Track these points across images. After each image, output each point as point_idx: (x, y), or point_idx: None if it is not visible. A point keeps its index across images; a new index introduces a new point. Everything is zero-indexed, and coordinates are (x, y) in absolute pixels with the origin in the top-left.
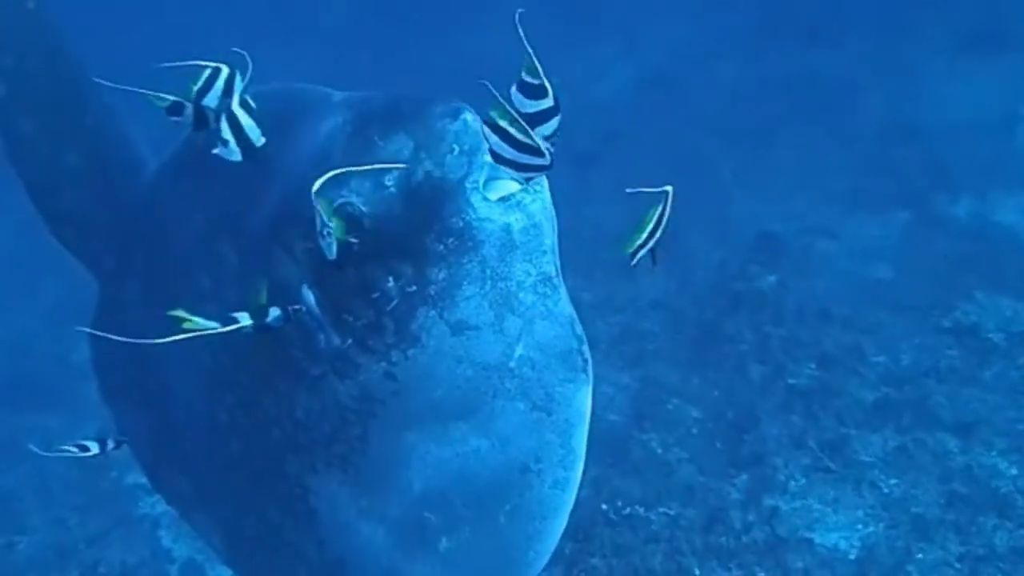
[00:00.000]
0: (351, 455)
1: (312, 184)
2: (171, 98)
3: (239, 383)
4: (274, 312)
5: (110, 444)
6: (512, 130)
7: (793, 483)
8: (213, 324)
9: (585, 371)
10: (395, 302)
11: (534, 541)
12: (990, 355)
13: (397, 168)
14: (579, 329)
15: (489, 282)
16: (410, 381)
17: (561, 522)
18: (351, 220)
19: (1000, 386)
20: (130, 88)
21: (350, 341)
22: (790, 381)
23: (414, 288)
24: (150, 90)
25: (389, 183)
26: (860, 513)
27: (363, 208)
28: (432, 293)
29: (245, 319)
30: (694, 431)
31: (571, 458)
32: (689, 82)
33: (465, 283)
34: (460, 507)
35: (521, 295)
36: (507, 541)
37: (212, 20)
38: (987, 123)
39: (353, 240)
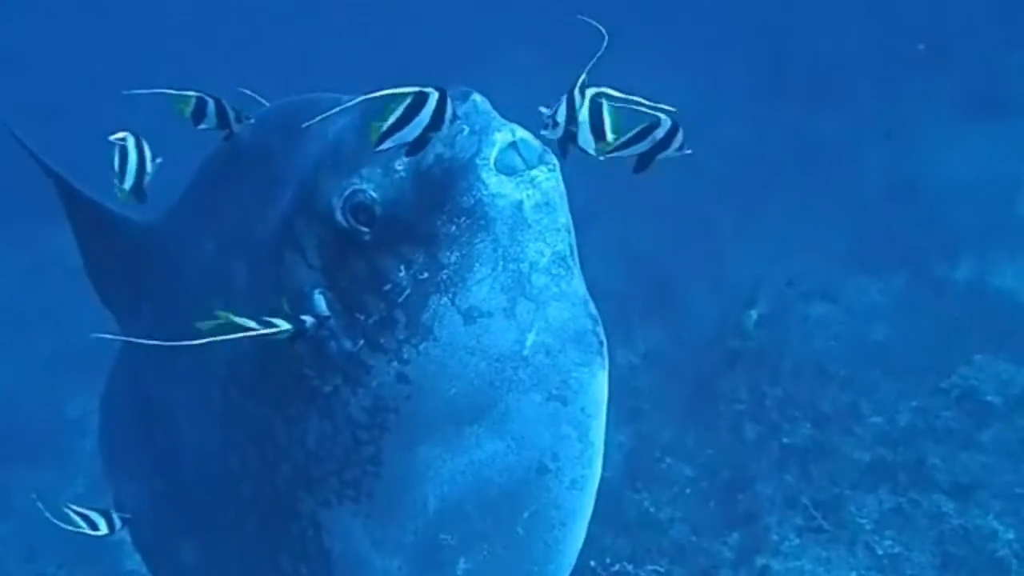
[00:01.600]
0: (364, 479)
1: (319, 173)
2: (192, 94)
3: (250, 416)
4: (308, 318)
5: (117, 523)
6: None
7: (786, 543)
8: (251, 324)
9: (601, 354)
10: (407, 292)
11: (554, 552)
12: (988, 417)
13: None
14: (593, 309)
15: (501, 263)
16: (423, 381)
17: (581, 529)
18: (362, 208)
19: (998, 449)
20: (159, 91)
21: (362, 342)
22: (785, 440)
23: (426, 275)
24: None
25: (400, 168)
26: (854, 575)
27: (374, 195)
28: (444, 278)
29: (283, 324)
30: (687, 490)
31: (589, 453)
32: (691, 138)
33: (477, 265)
34: (477, 521)
35: (534, 277)
36: (527, 554)
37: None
38: (988, 187)
39: (364, 230)
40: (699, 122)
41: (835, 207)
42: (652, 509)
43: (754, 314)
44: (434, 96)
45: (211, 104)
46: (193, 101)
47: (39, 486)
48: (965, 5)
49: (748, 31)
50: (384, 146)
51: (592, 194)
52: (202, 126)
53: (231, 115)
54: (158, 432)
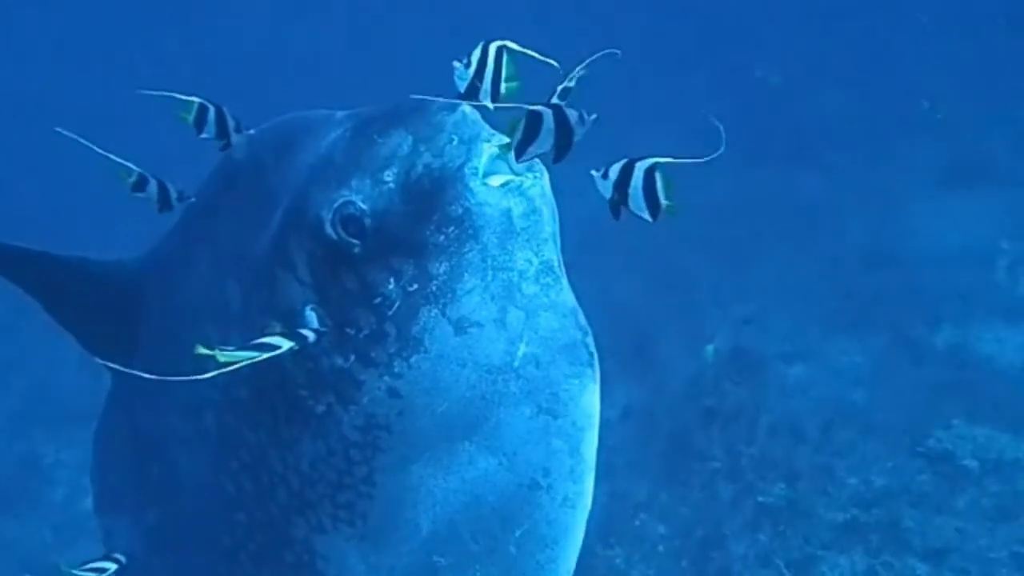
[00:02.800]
0: (358, 502)
1: (309, 186)
2: (195, 100)
3: (244, 443)
4: (308, 332)
5: (122, 558)
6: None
7: None
8: (250, 354)
9: (591, 366)
10: (397, 304)
11: (546, 571)
12: (963, 482)
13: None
14: (582, 320)
15: (491, 272)
16: (415, 395)
17: (573, 548)
18: (352, 220)
19: (973, 513)
20: (166, 93)
21: (353, 357)
22: (759, 499)
23: (415, 287)
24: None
25: (388, 179)
26: None
27: (363, 206)
28: (434, 289)
29: (284, 342)
30: (660, 548)
31: (581, 468)
32: (673, 201)
33: (466, 274)
34: (470, 542)
35: (523, 286)
36: (520, 575)
37: None
38: (967, 254)
39: (354, 242)
40: (683, 182)
41: (816, 269)
42: (624, 566)
43: (711, 348)
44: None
45: (211, 111)
46: (196, 107)
47: (6, 535)
48: (944, 75)
49: (732, 93)
50: (525, 157)
51: (573, 243)
52: (203, 135)
53: (231, 124)
54: (153, 465)
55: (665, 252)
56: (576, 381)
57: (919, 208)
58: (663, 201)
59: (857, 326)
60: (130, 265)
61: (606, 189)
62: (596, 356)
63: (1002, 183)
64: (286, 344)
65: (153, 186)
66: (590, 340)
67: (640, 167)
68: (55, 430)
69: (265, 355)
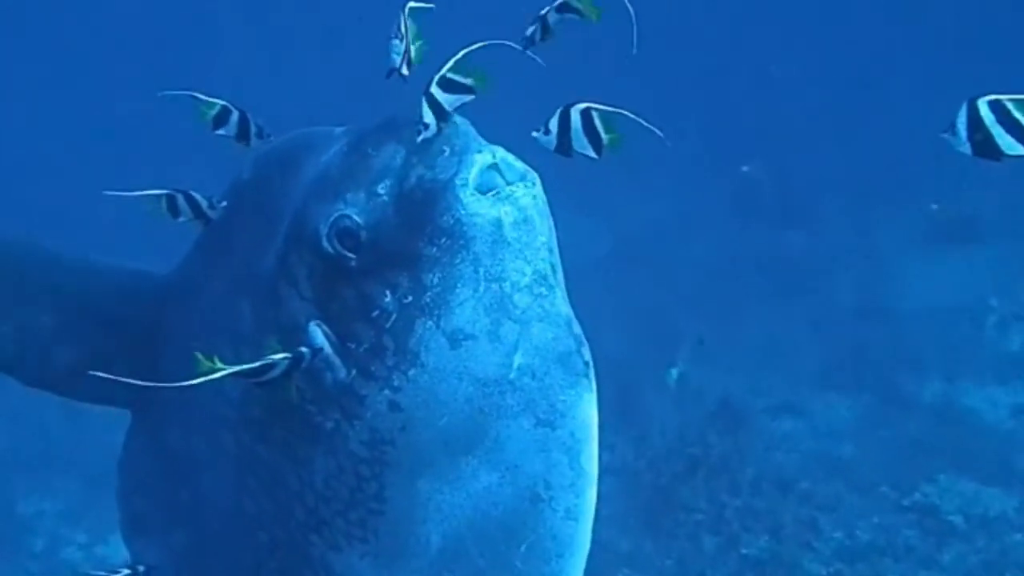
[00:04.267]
0: (369, 519)
1: (307, 201)
2: (219, 102)
3: (262, 461)
4: (304, 349)
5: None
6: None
7: None
8: (248, 366)
9: (587, 376)
10: (393, 317)
11: None
12: (949, 537)
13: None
14: (577, 329)
15: (483, 283)
16: (415, 409)
17: (579, 561)
18: (348, 233)
19: (958, 568)
20: (186, 92)
21: (354, 372)
22: (743, 551)
23: (410, 299)
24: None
25: (382, 192)
26: None
27: (358, 219)
28: (428, 301)
29: (280, 357)
30: None
31: (582, 481)
32: (664, 256)
33: (459, 286)
34: (477, 557)
35: (516, 297)
36: None
37: None
38: (957, 311)
39: (350, 255)
40: (674, 238)
41: (803, 325)
42: None
43: (675, 372)
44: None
45: (235, 114)
46: (218, 107)
47: None
48: (933, 132)
49: (724, 150)
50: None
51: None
52: (220, 132)
53: (253, 130)
54: (177, 486)
55: (653, 305)
56: (572, 392)
57: (908, 264)
58: (604, 136)
59: (844, 380)
60: (157, 280)
61: (549, 143)
62: (592, 366)
63: (990, 240)
64: (282, 361)
65: (181, 199)
66: (585, 350)
67: (575, 110)
68: (36, 479)
69: (254, 365)
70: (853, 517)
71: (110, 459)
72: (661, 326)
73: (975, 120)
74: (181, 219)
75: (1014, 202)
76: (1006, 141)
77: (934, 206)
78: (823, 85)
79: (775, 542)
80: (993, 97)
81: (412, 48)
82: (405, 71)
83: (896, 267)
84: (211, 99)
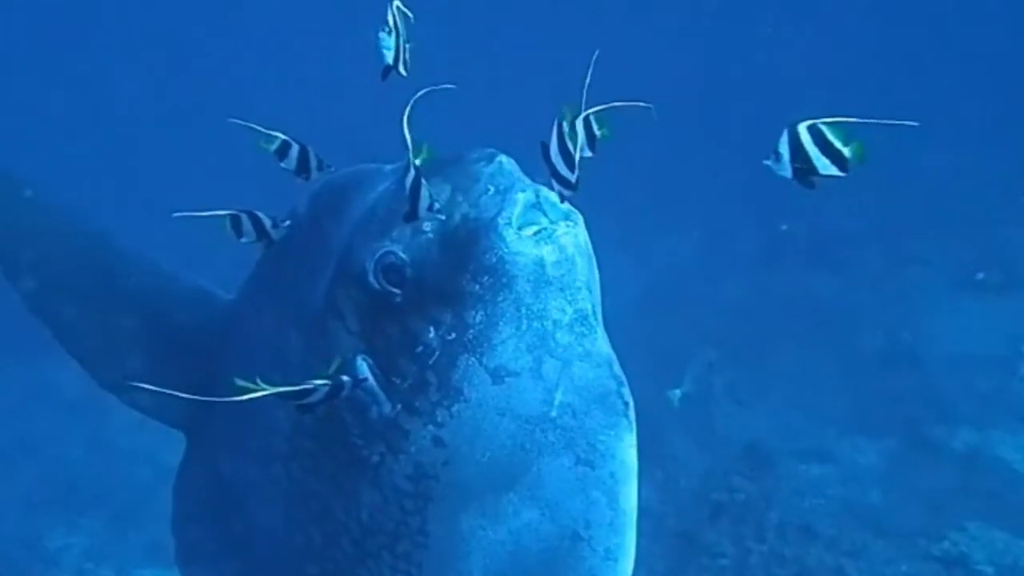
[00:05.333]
0: (414, 552)
1: (355, 238)
2: (279, 136)
3: (311, 493)
4: (345, 377)
5: None
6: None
7: None
8: (290, 388)
9: (627, 416)
10: (437, 353)
11: None
12: None
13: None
14: (617, 369)
15: (525, 322)
16: (458, 444)
17: None
18: (393, 270)
19: None
20: (249, 124)
21: (399, 407)
22: None
23: (454, 336)
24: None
25: (427, 229)
26: None
27: (404, 256)
28: (471, 338)
29: (321, 383)
30: None
31: (621, 521)
32: (692, 298)
33: (501, 324)
34: None
35: (558, 335)
36: None
37: None
38: (988, 359)
39: (396, 291)
40: (702, 282)
41: (832, 369)
42: None
43: (678, 393)
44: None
45: (295, 148)
46: (278, 142)
47: None
48: (964, 178)
49: (752, 195)
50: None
51: None
52: (282, 165)
53: (313, 162)
54: (230, 515)
55: (680, 348)
56: (612, 432)
57: (938, 310)
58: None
59: (873, 426)
60: (220, 303)
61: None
62: (631, 406)
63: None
64: (322, 387)
65: (245, 219)
66: (625, 390)
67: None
68: (61, 515)
69: (295, 388)
70: (880, 564)
71: (134, 494)
72: (685, 365)
73: (796, 145)
74: (244, 240)
75: None
76: (822, 162)
77: (980, 275)
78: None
79: None
80: (810, 121)
81: (404, 48)
82: (403, 71)
83: (927, 312)
84: (272, 132)
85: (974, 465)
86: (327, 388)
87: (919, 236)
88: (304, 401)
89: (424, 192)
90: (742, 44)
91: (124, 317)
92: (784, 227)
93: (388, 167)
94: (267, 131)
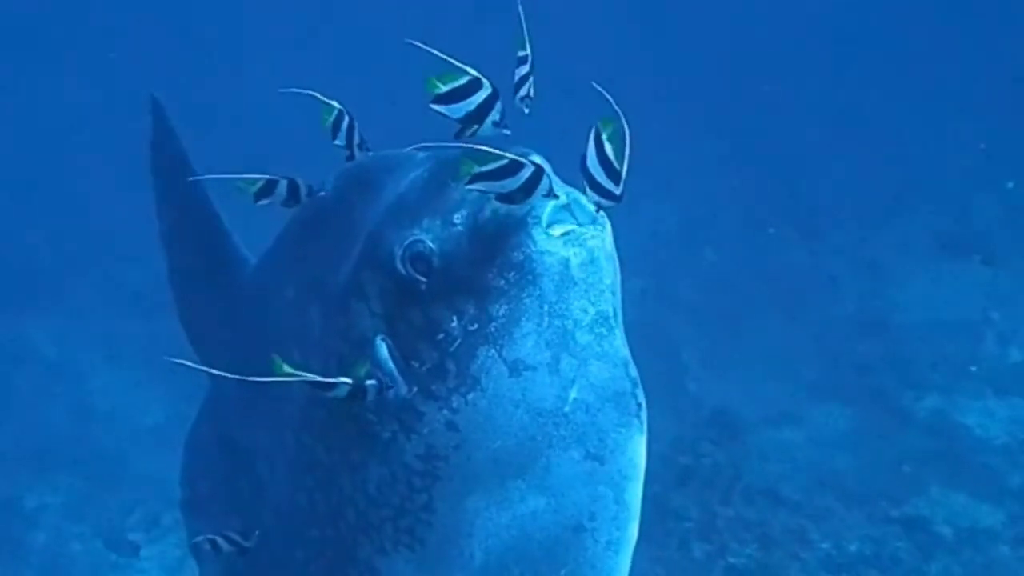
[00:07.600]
0: (417, 527)
1: (384, 224)
2: (336, 105)
3: (319, 462)
4: (372, 382)
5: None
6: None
7: None
8: (311, 376)
9: (639, 416)
10: (458, 342)
11: None
12: (937, 550)
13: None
14: (633, 371)
15: (547, 319)
16: (471, 430)
17: None
18: (421, 258)
19: None
20: (309, 92)
21: (415, 389)
22: (731, 560)
23: (476, 326)
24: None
25: (458, 221)
26: None
27: (432, 246)
28: (492, 331)
29: (345, 381)
30: None
31: (624, 516)
32: (667, 266)
33: (524, 319)
34: None
35: (578, 334)
36: None
37: None
38: (957, 326)
39: (422, 279)
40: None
41: (804, 337)
42: None
43: None
44: (529, 169)
45: (346, 121)
46: (335, 112)
47: None
48: (935, 146)
49: (729, 165)
50: (473, 187)
51: None
52: (336, 142)
53: (356, 140)
54: (239, 475)
55: (652, 317)
56: (624, 431)
57: (910, 277)
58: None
59: (843, 392)
60: (247, 268)
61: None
62: (644, 408)
63: (993, 254)
64: (345, 381)
65: (283, 186)
66: (639, 392)
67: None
68: (40, 474)
69: (320, 380)
70: (843, 528)
71: (112, 455)
72: (657, 335)
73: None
74: (263, 202)
75: (1017, 215)
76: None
77: (982, 146)
78: (825, 99)
79: (763, 552)
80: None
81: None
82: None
83: (898, 279)
84: (330, 101)
85: (939, 430)
86: (348, 388)
87: (892, 204)
88: (326, 393)
89: (544, 180)
90: (726, 16)
91: (191, 255)
92: (772, 230)
93: (420, 154)
94: (325, 99)
